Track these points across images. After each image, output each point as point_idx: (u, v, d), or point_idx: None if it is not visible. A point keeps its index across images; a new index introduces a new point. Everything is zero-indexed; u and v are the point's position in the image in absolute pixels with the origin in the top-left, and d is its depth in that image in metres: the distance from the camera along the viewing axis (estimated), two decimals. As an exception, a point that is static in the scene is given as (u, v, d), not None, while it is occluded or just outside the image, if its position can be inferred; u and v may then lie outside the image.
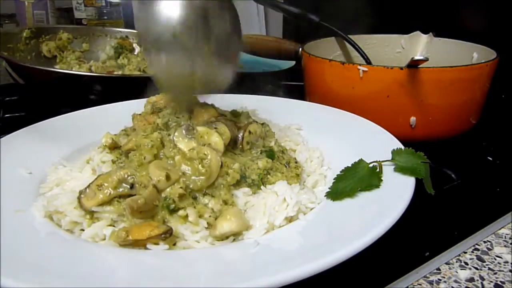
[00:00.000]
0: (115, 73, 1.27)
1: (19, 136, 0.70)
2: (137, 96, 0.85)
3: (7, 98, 1.15)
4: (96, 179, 0.53)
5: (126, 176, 0.52)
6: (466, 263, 0.54)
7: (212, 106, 0.66)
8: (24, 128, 0.72)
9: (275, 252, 0.46)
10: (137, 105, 0.75)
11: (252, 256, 0.45)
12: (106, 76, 1.08)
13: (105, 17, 1.65)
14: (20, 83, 1.22)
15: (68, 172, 0.61)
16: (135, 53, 1.37)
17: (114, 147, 0.64)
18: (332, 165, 0.64)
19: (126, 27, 1.70)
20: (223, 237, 0.49)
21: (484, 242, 0.58)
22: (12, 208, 0.52)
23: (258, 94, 0.91)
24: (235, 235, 0.50)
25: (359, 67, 0.77)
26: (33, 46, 1.28)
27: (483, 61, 0.78)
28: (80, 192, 0.52)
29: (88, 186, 0.52)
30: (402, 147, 0.60)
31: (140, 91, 0.89)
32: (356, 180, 0.55)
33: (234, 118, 0.66)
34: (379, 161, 0.57)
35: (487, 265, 0.53)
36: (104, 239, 0.49)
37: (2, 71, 1.44)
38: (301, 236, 0.49)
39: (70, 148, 0.69)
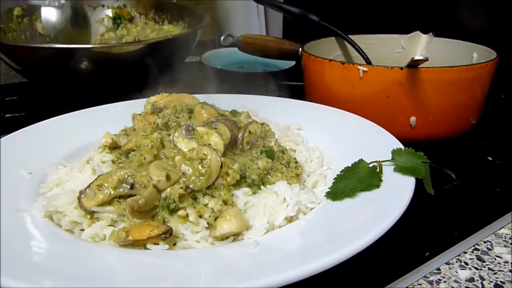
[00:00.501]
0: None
1: (19, 136, 0.70)
2: (134, 70, 0.82)
3: (7, 98, 1.15)
4: (96, 179, 0.53)
5: (126, 176, 0.52)
6: (466, 263, 0.54)
7: (212, 106, 0.66)
8: (24, 128, 0.72)
9: (275, 252, 0.46)
10: (137, 105, 0.75)
11: (252, 256, 0.45)
12: (101, 46, 1.02)
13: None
14: (19, 83, 1.22)
15: (68, 172, 0.61)
16: (135, 22, 1.31)
17: (114, 147, 0.64)
18: (332, 165, 0.64)
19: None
20: (223, 237, 0.49)
21: (484, 242, 0.58)
22: (12, 208, 0.52)
23: (258, 94, 0.91)
24: (235, 235, 0.50)
25: (359, 67, 0.77)
26: (26, 24, 1.21)
27: (483, 61, 0.78)
28: (80, 192, 0.52)
29: (88, 186, 0.52)
30: (402, 147, 0.60)
31: (137, 61, 0.86)
32: (356, 180, 0.55)
33: (234, 118, 0.66)
34: (379, 161, 0.57)
35: (487, 265, 0.54)
36: (104, 239, 0.49)
37: (2, 71, 1.44)
38: (301, 236, 0.49)
39: (70, 148, 0.69)
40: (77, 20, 1.29)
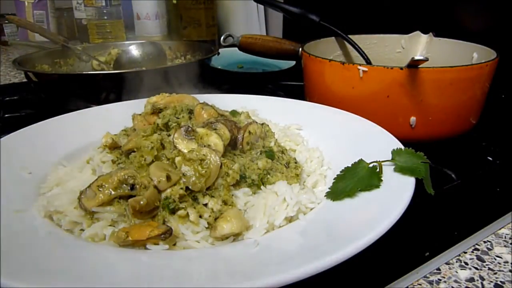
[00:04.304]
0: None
1: (19, 136, 0.69)
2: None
3: (7, 98, 1.15)
4: (96, 179, 0.53)
5: (126, 177, 0.52)
6: (466, 263, 0.54)
7: (212, 106, 0.66)
8: (24, 128, 0.72)
9: (275, 252, 0.46)
10: (137, 105, 0.75)
11: (252, 256, 0.45)
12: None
13: (105, 17, 1.66)
14: (19, 83, 1.22)
15: (68, 172, 0.61)
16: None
17: (114, 147, 0.64)
18: (332, 165, 0.64)
19: (126, 27, 1.70)
20: (224, 238, 0.49)
21: (484, 242, 0.58)
22: (12, 208, 0.52)
23: (258, 94, 0.91)
24: (235, 235, 0.50)
25: (359, 67, 0.77)
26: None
27: (483, 61, 0.78)
28: (81, 193, 0.52)
29: (89, 186, 0.52)
30: (402, 147, 0.60)
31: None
32: (356, 180, 0.54)
33: (234, 118, 0.66)
34: (379, 161, 0.57)
35: (487, 265, 0.53)
36: (104, 239, 0.49)
37: (2, 71, 1.44)
38: (301, 236, 0.49)
39: (70, 148, 0.69)
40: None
